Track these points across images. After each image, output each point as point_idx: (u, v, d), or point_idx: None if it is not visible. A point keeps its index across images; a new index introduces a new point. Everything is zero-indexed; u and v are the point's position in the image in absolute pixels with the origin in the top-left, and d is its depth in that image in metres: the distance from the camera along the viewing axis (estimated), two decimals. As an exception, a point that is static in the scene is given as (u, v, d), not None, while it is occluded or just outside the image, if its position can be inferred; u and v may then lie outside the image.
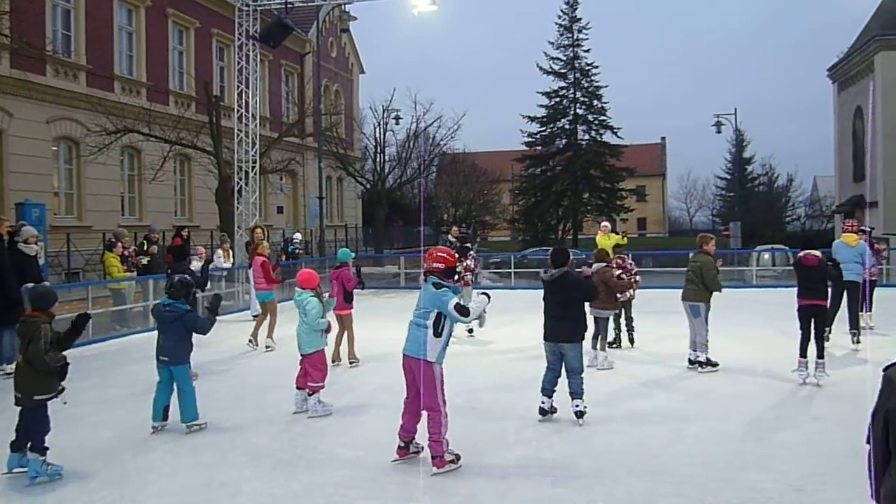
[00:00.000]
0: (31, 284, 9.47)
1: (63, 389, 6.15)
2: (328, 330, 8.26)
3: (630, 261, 11.98)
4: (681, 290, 10.20)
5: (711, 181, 78.07)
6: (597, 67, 53.94)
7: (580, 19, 53.66)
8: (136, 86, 26.89)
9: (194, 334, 7.56)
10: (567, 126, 54.67)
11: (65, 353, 6.10)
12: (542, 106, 54.88)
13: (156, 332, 7.82)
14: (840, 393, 8.54)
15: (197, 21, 30.07)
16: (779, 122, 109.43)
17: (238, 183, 20.47)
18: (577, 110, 54.22)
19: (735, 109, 44.05)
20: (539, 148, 55.39)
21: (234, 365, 10.82)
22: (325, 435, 7.23)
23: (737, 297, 16.70)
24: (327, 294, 9.35)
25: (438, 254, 6.40)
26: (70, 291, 15.90)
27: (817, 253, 9.52)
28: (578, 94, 54.11)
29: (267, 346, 12.12)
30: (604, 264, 10.55)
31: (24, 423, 6.05)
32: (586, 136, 54.53)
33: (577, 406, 7.41)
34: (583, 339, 7.59)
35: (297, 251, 23.63)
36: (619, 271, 10.87)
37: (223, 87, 30.89)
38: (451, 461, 6.13)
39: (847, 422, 7.16)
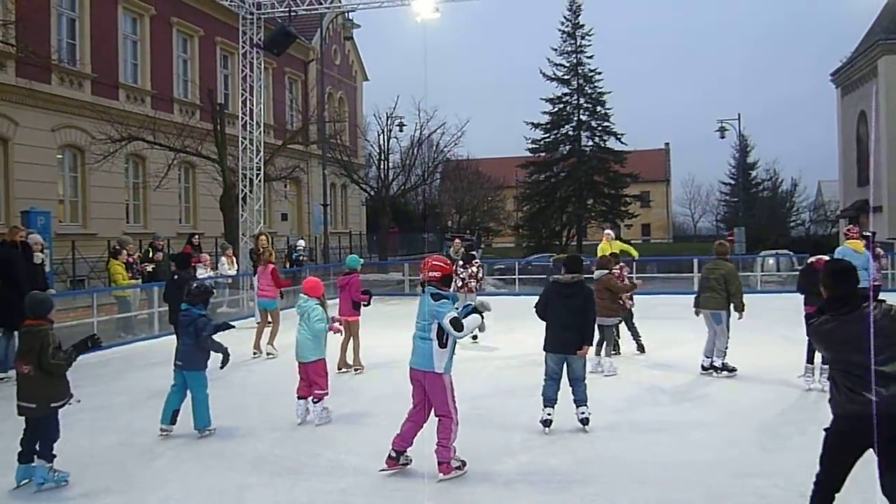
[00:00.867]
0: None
1: (72, 395, 6.18)
2: (336, 330, 8.30)
3: (627, 270, 12.05)
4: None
5: (715, 186, 78.15)
6: (600, 73, 54.24)
7: (583, 25, 53.97)
8: (140, 94, 26.96)
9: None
10: (571, 132, 54.80)
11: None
12: (545, 112, 55.13)
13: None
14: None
15: (201, 29, 30.15)
16: (783, 127, 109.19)
17: (242, 190, 20.50)
18: (581, 116, 54.37)
19: (739, 115, 44.17)
20: (543, 154, 55.51)
21: (238, 372, 10.81)
22: (329, 442, 7.24)
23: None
24: (331, 304, 9.38)
25: (434, 262, 6.35)
26: (75, 299, 15.97)
27: (828, 258, 9.54)
28: (582, 101, 54.26)
29: (268, 354, 12.14)
30: (606, 271, 10.56)
31: (34, 432, 6.03)
32: (590, 143, 54.68)
33: (582, 413, 7.39)
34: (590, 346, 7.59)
35: (301, 258, 23.64)
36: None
37: (227, 94, 30.94)
38: (457, 468, 6.13)
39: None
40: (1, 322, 10.54)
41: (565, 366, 7.43)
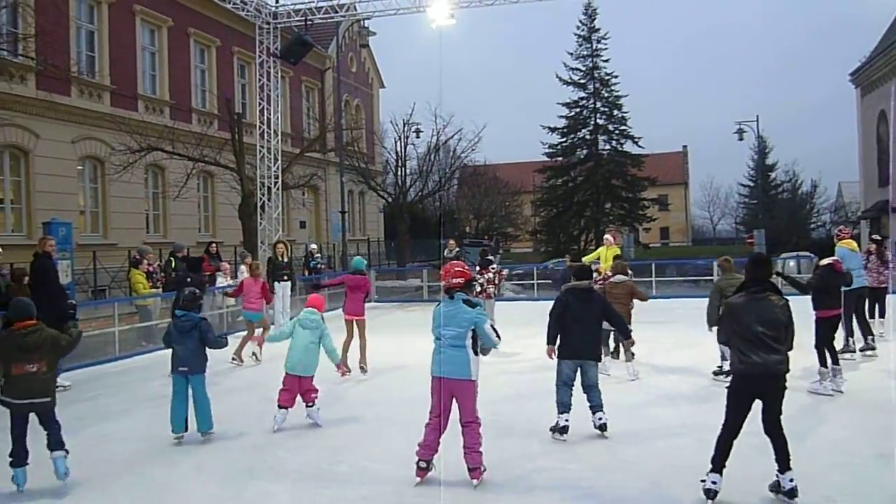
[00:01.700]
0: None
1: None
2: (344, 373, 9.19)
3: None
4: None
5: (734, 189, 77.43)
6: (616, 77, 53.95)
7: (599, 29, 53.68)
8: (159, 104, 27.23)
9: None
10: (588, 136, 54.54)
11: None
12: (562, 117, 54.89)
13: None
14: (860, 400, 8.63)
15: (218, 40, 30.41)
16: (802, 128, 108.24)
17: (261, 199, 20.65)
18: (598, 120, 54.11)
19: (757, 116, 43.95)
20: (560, 159, 55.28)
21: (255, 380, 10.83)
22: (350, 449, 7.26)
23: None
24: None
25: (456, 269, 6.34)
26: (97, 308, 16.14)
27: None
28: (598, 104, 54.01)
29: (253, 354, 12.27)
30: (625, 277, 10.57)
31: (46, 425, 6.17)
32: (607, 146, 54.37)
33: (600, 419, 7.36)
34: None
35: (319, 266, 23.65)
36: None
37: (245, 104, 31.16)
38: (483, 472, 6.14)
39: (872, 429, 7.25)
40: None
41: (579, 372, 7.42)
